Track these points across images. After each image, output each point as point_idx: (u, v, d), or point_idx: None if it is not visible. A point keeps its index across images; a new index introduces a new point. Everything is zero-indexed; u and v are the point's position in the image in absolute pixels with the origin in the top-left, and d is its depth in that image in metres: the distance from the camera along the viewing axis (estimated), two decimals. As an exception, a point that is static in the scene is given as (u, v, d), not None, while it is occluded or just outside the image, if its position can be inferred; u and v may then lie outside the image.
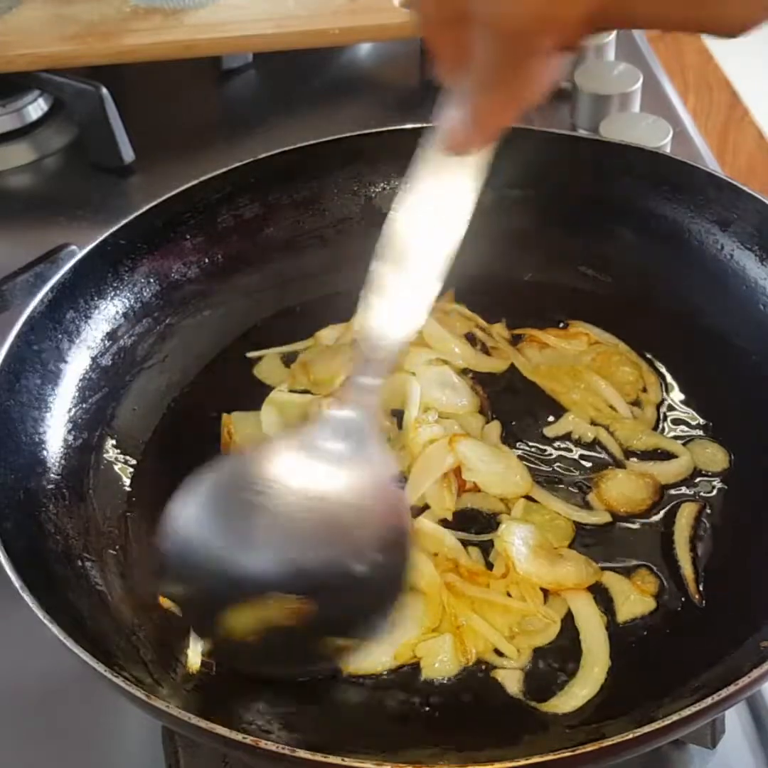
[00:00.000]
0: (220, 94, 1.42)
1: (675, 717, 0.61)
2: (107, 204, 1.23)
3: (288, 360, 0.96)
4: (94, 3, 1.31)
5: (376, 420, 0.76)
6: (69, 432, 0.85)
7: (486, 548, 0.80)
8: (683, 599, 0.77)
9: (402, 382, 0.89)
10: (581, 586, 0.77)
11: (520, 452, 0.87)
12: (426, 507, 0.83)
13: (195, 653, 0.74)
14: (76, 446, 0.85)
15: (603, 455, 0.87)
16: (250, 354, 0.96)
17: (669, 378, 0.92)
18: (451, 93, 0.65)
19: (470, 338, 0.96)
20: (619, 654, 0.75)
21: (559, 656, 0.75)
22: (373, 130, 1.02)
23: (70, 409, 0.86)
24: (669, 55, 1.64)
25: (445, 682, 0.74)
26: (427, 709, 0.73)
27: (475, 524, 0.82)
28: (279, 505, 0.71)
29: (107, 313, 0.92)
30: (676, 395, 0.91)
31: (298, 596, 0.69)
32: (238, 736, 0.61)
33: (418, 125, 1.02)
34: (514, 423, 0.89)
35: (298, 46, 1.31)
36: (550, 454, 0.87)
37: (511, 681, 0.73)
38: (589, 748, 0.60)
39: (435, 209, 0.71)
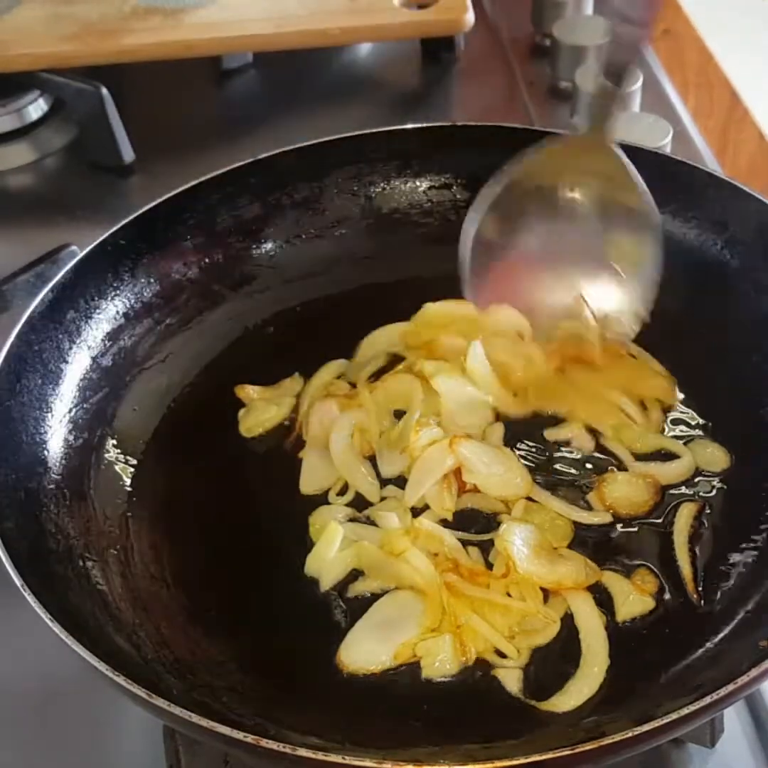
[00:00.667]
0: (220, 94, 1.42)
1: (674, 716, 0.61)
2: (107, 204, 1.23)
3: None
4: (94, 3, 1.31)
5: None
6: (70, 432, 0.85)
7: (486, 548, 0.81)
8: (682, 599, 0.77)
9: (407, 384, 0.89)
10: (581, 586, 0.77)
11: (521, 452, 0.87)
12: (426, 507, 0.83)
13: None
14: (77, 446, 0.85)
15: (604, 456, 0.87)
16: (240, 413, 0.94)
17: (669, 377, 0.92)
18: None
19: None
20: (618, 653, 0.75)
21: (559, 655, 0.75)
22: (373, 130, 1.02)
23: (70, 409, 0.87)
24: (669, 54, 1.64)
25: (444, 681, 0.74)
26: (427, 708, 0.73)
27: (475, 524, 0.83)
28: None
29: (107, 313, 0.92)
30: (676, 395, 0.91)
31: None
32: (239, 735, 0.61)
33: (418, 125, 1.03)
34: (517, 424, 0.89)
35: (298, 46, 1.31)
36: (552, 455, 0.87)
37: (511, 680, 0.74)
38: (589, 746, 0.60)
39: None
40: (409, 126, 1.02)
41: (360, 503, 0.85)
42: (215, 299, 0.99)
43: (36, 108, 1.32)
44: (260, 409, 0.91)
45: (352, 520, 0.83)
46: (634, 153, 0.97)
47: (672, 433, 0.88)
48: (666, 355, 0.93)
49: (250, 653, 0.77)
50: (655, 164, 0.97)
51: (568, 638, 0.76)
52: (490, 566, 0.79)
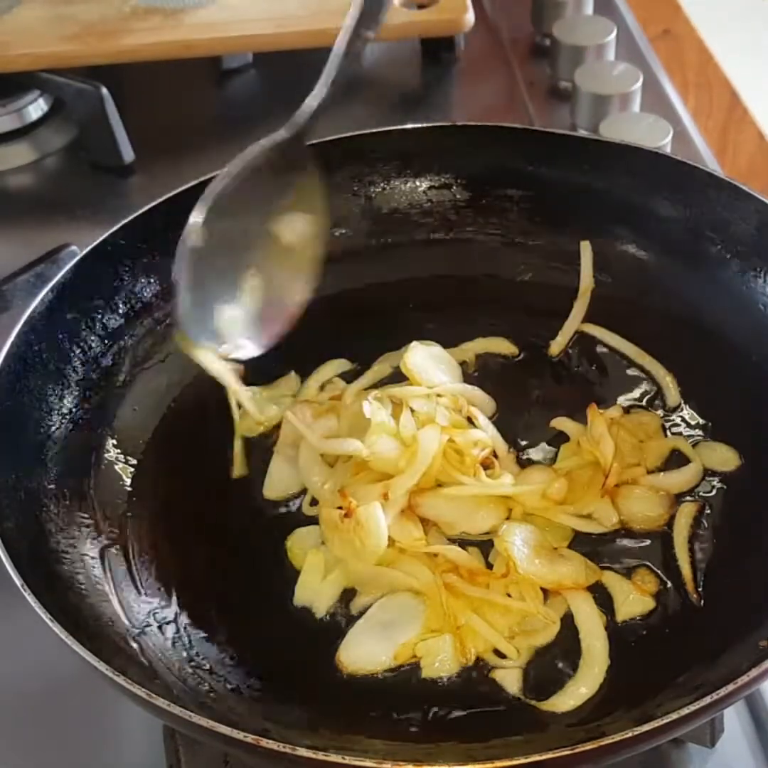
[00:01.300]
0: (220, 94, 1.42)
1: (674, 715, 0.61)
2: (107, 204, 1.23)
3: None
4: (94, 3, 1.31)
5: None
6: (70, 432, 0.85)
7: (486, 548, 0.81)
8: (682, 599, 0.77)
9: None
10: (581, 586, 0.77)
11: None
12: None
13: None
14: (77, 446, 0.85)
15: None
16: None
17: (668, 378, 0.92)
18: None
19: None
20: (618, 653, 0.75)
21: (559, 655, 0.75)
22: (373, 130, 1.02)
23: (70, 409, 0.86)
24: (669, 55, 1.64)
25: (444, 681, 0.74)
26: (427, 708, 0.73)
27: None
28: None
29: (107, 313, 0.92)
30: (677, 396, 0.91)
31: None
32: (239, 735, 0.61)
33: (418, 125, 1.03)
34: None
35: (298, 46, 1.31)
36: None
37: (511, 680, 0.74)
38: (589, 746, 0.60)
39: None
40: (409, 126, 1.02)
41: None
42: (215, 299, 0.98)
43: (36, 108, 1.32)
44: (260, 409, 0.91)
45: None
46: (634, 153, 0.98)
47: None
48: (666, 354, 0.93)
49: (250, 653, 0.77)
50: (655, 164, 0.97)
51: (568, 638, 0.76)
52: (490, 566, 0.79)
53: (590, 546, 0.81)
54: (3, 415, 0.81)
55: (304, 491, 0.86)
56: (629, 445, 0.86)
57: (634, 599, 0.77)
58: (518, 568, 0.76)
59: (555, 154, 0.99)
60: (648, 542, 0.81)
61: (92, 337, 0.90)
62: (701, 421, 0.89)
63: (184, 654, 0.75)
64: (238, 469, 0.88)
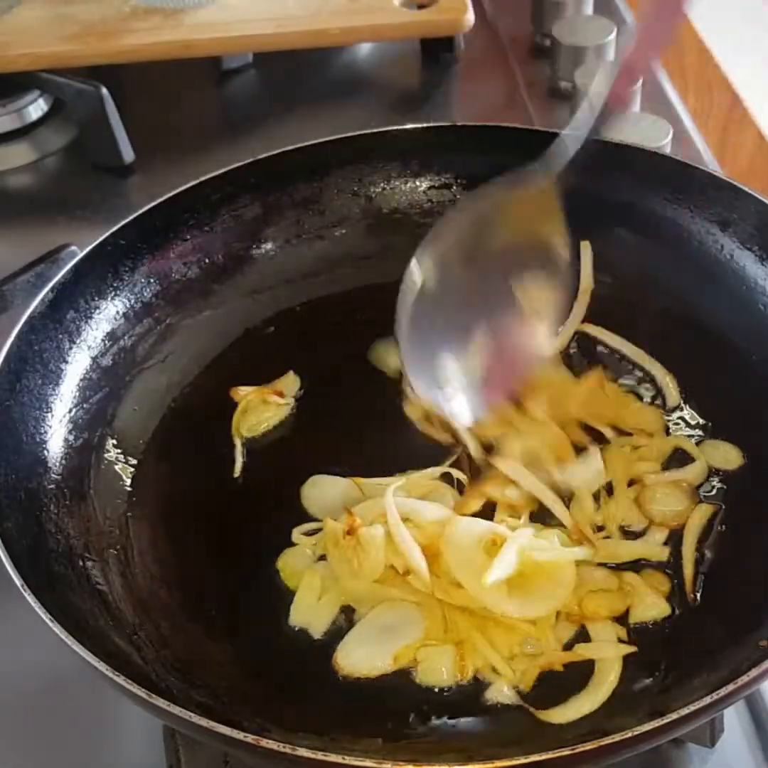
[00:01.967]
0: (220, 94, 1.42)
1: (674, 716, 0.61)
2: (107, 204, 1.23)
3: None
4: (94, 3, 1.31)
5: None
6: (70, 432, 0.85)
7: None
8: (683, 599, 0.77)
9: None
10: (616, 614, 0.76)
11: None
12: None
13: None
14: (77, 446, 0.85)
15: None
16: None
17: (668, 378, 0.92)
18: None
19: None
20: (618, 653, 0.75)
21: (566, 670, 0.74)
22: (373, 130, 1.02)
23: (70, 409, 0.86)
24: (669, 55, 1.64)
25: (441, 685, 0.74)
26: (426, 709, 0.73)
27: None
28: None
29: (108, 313, 0.92)
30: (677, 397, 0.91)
31: None
32: (239, 735, 0.61)
33: (418, 125, 1.03)
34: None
35: (298, 46, 1.31)
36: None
37: (507, 692, 0.73)
38: (589, 746, 0.60)
39: None
40: (409, 126, 1.02)
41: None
42: (215, 299, 0.99)
43: (36, 108, 1.31)
44: (260, 409, 0.91)
45: (322, 556, 0.80)
46: (634, 153, 0.98)
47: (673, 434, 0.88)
48: (666, 355, 0.93)
49: (250, 653, 0.77)
50: (655, 164, 0.97)
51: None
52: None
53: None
54: (3, 415, 0.81)
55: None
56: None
57: (650, 604, 0.76)
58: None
59: (555, 154, 0.99)
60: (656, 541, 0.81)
61: (92, 337, 0.90)
62: (701, 421, 0.89)
63: (184, 654, 0.75)
64: (238, 469, 0.88)
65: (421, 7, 1.33)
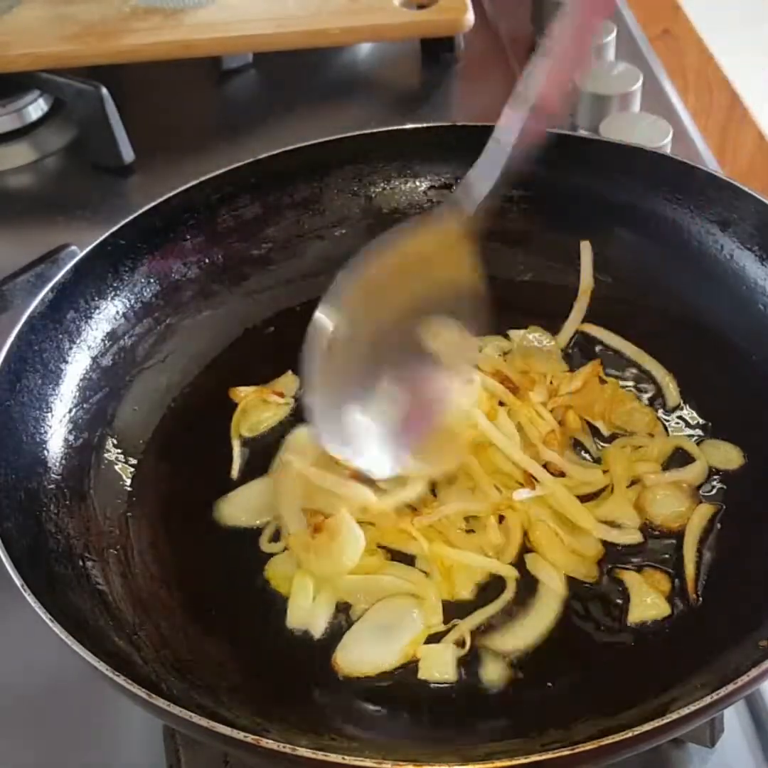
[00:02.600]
0: (220, 94, 1.43)
1: (674, 715, 0.61)
2: (107, 204, 1.23)
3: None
4: (94, 3, 1.31)
5: None
6: (70, 432, 0.85)
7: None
8: (683, 599, 0.77)
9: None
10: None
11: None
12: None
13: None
14: (77, 446, 0.85)
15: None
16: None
17: (668, 377, 0.92)
18: None
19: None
20: (620, 653, 0.75)
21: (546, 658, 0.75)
22: (373, 130, 1.02)
23: (70, 409, 0.86)
24: (669, 55, 1.64)
25: (442, 684, 0.74)
26: (426, 708, 0.73)
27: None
28: None
29: (107, 313, 0.92)
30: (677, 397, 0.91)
31: None
32: (239, 735, 0.61)
33: (418, 125, 1.03)
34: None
35: (298, 46, 1.31)
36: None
37: (499, 674, 0.74)
38: (589, 746, 0.60)
39: None
40: (409, 126, 1.02)
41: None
42: (215, 299, 0.99)
43: (36, 108, 1.32)
44: (260, 409, 0.91)
45: None
46: (634, 153, 0.98)
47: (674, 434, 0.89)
48: (666, 355, 0.93)
49: (250, 653, 0.77)
50: (655, 164, 0.97)
51: (560, 640, 0.76)
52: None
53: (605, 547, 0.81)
54: (3, 415, 0.81)
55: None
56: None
57: (650, 603, 0.76)
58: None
59: (555, 154, 0.99)
60: (658, 542, 0.81)
61: (92, 337, 0.90)
62: (701, 421, 0.89)
63: (184, 654, 0.75)
64: (238, 469, 0.88)
65: (421, 7, 1.33)
